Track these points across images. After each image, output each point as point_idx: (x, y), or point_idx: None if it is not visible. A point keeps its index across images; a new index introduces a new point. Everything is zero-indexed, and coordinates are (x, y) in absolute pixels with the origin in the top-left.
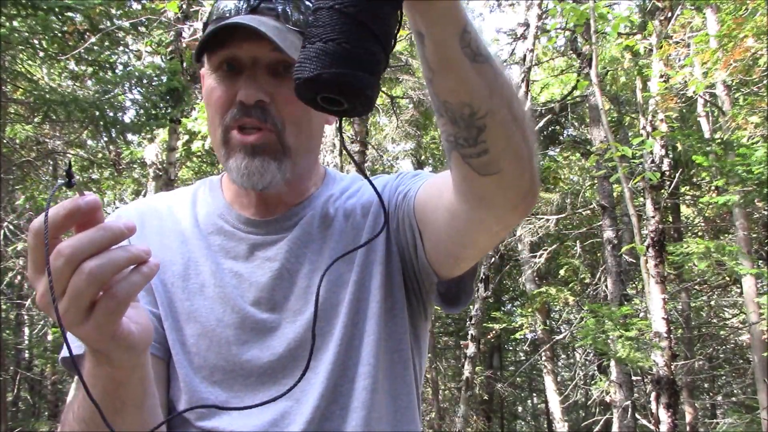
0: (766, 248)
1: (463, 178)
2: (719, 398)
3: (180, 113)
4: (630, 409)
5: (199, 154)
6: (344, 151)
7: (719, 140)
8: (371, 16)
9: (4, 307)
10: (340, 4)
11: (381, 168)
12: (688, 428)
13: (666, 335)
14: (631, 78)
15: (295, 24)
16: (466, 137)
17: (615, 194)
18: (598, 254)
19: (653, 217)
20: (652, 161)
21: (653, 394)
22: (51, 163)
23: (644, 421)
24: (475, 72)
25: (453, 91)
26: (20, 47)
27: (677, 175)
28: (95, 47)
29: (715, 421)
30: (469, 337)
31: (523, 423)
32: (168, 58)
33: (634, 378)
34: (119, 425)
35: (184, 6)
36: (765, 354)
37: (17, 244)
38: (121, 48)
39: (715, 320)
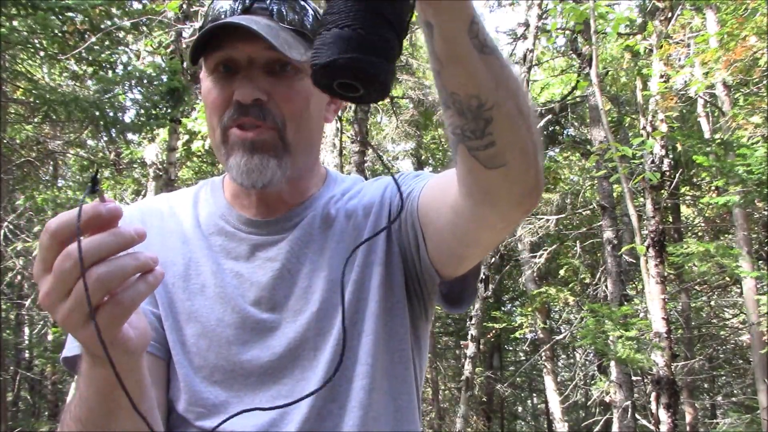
0: (766, 248)
1: (469, 171)
2: (719, 398)
3: (180, 113)
4: (630, 410)
5: (199, 154)
6: (371, 148)
7: (719, 140)
8: (385, 2)
9: (4, 307)
10: None
11: (381, 168)
12: (688, 428)
13: (666, 335)
14: (631, 78)
15: (290, 23)
16: (473, 129)
17: (615, 194)
18: (598, 254)
19: (653, 217)
20: (652, 161)
21: (653, 395)
22: (51, 163)
23: (644, 422)
24: (483, 63)
25: (461, 83)
26: (20, 47)
27: (677, 175)
28: (95, 47)
29: (715, 421)
30: (469, 337)
31: (523, 423)
32: (168, 58)
33: (634, 378)
34: (114, 427)
35: (184, 6)
36: (764, 351)
37: (17, 244)
38: (121, 48)
39: (715, 320)
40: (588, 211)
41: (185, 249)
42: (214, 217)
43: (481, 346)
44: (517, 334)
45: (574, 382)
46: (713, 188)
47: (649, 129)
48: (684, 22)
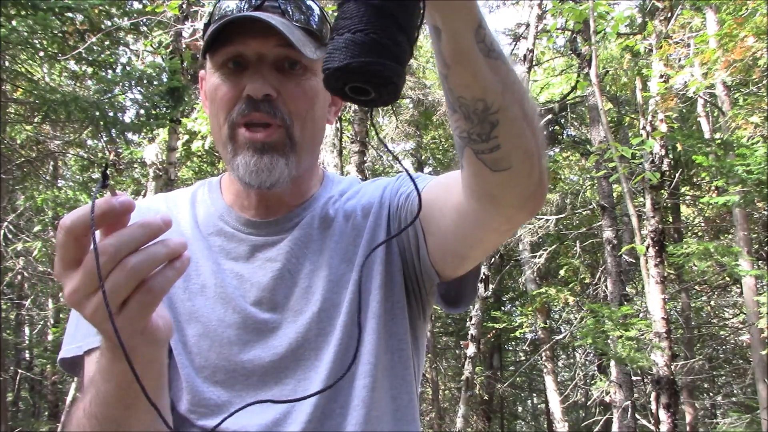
0: (766, 248)
1: (475, 175)
2: (719, 398)
3: (180, 113)
4: (630, 409)
5: (199, 154)
6: (379, 141)
7: (719, 140)
8: (397, 7)
9: (4, 307)
10: None
11: (381, 168)
12: (688, 428)
13: (666, 335)
14: (631, 78)
15: (298, 22)
16: (480, 132)
17: (615, 194)
18: (598, 254)
19: (653, 217)
20: (652, 161)
21: (653, 394)
22: (51, 163)
23: (644, 421)
24: (489, 68)
25: (468, 86)
26: (20, 47)
27: (677, 175)
28: (95, 47)
29: (715, 421)
30: (469, 337)
31: (523, 423)
32: (168, 58)
33: (634, 378)
34: (132, 420)
35: (184, 6)
36: (764, 351)
37: (17, 244)
38: (121, 48)
39: (715, 320)
40: (588, 211)
41: None
42: (213, 218)
43: (481, 346)
44: (517, 334)
45: (574, 382)
46: (713, 188)
47: (648, 129)
48: (684, 22)
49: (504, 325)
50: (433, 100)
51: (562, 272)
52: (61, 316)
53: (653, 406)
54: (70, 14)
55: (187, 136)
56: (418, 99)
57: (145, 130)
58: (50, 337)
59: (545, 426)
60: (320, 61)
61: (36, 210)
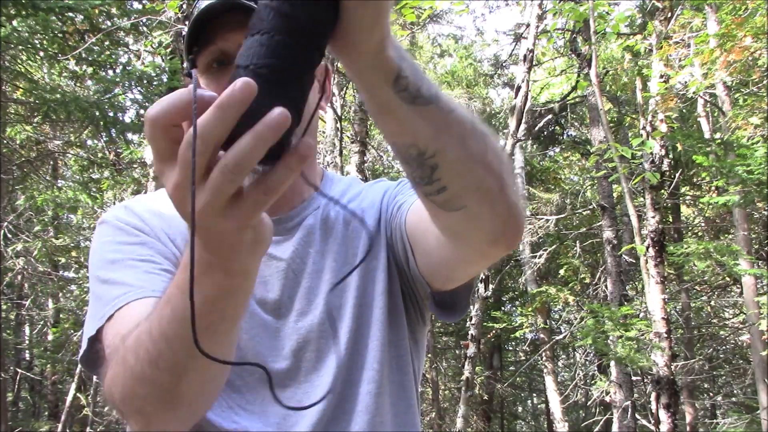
0: (766, 248)
1: (432, 215)
2: (719, 398)
3: None
4: (630, 410)
5: None
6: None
7: (719, 140)
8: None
9: (4, 307)
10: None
11: (381, 168)
12: (688, 428)
13: (666, 335)
14: (631, 78)
15: None
16: (421, 176)
17: (615, 194)
18: (598, 254)
19: (653, 217)
20: (652, 161)
21: (653, 395)
22: (51, 163)
23: (644, 422)
24: (416, 114)
25: (396, 134)
26: (20, 47)
27: (677, 175)
28: (95, 47)
29: (715, 421)
30: (469, 337)
31: (523, 423)
32: (168, 58)
33: (634, 378)
34: (209, 342)
35: (184, 6)
36: (765, 352)
37: (17, 244)
38: (121, 48)
39: (715, 320)
40: (588, 211)
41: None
42: None
43: (481, 346)
44: (517, 334)
45: (574, 382)
46: (713, 188)
47: (648, 129)
48: (684, 22)
49: (504, 325)
50: None
51: (562, 272)
52: (61, 316)
53: (653, 406)
54: (70, 14)
55: None
56: None
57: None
58: (50, 337)
59: (545, 426)
60: None
61: (36, 210)
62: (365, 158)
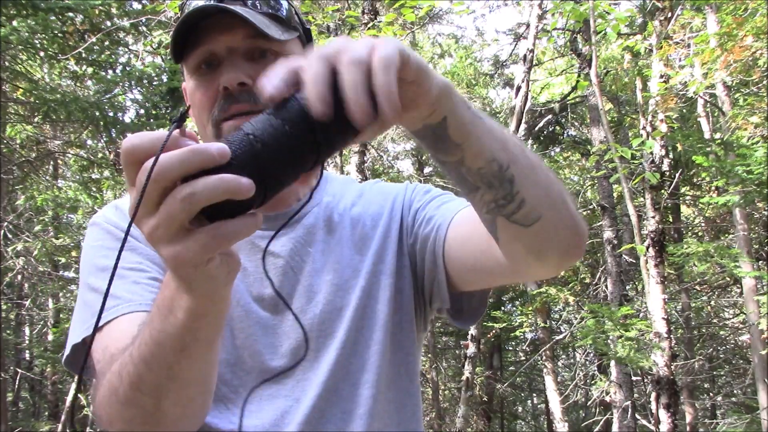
0: (766, 248)
1: (514, 238)
2: (719, 398)
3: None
4: (630, 409)
5: None
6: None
7: (719, 140)
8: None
9: (4, 307)
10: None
11: (381, 168)
12: (688, 428)
13: (666, 335)
14: (631, 78)
15: (260, 11)
16: (504, 195)
17: (615, 194)
18: (598, 254)
19: (653, 217)
20: (652, 161)
21: (653, 395)
22: (51, 163)
23: (644, 422)
24: (483, 129)
25: (480, 155)
26: (20, 47)
27: (677, 175)
28: (95, 47)
29: (715, 421)
30: (469, 337)
31: (523, 423)
32: (168, 58)
33: (634, 378)
34: (184, 366)
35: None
36: (764, 351)
37: (17, 244)
38: (121, 48)
39: (715, 320)
40: (588, 211)
41: None
42: None
43: (481, 346)
44: (517, 334)
45: (574, 382)
46: (713, 188)
47: (649, 129)
48: (684, 22)
49: (504, 325)
50: None
51: (562, 272)
52: (61, 316)
53: (653, 406)
54: (70, 14)
55: None
56: None
57: (145, 130)
58: (50, 337)
59: (545, 426)
60: (292, 43)
61: (36, 210)
62: (365, 158)
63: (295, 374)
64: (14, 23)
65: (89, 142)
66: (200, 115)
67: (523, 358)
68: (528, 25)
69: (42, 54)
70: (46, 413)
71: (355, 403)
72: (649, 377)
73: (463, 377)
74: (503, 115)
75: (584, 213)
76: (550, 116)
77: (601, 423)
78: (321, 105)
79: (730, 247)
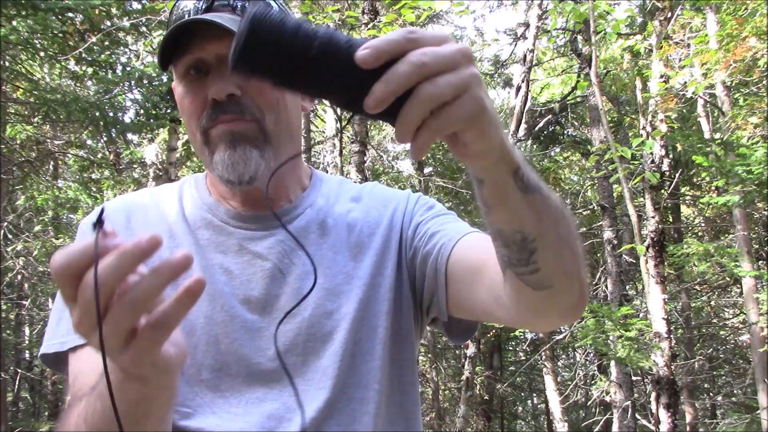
0: (766, 248)
1: (517, 292)
2: (719, 398)
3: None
4: (630, 409)
5: None
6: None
7: (719, 140)
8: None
9: (4, 307)
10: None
11: (381, 168)
12: (688, 428)
13: (666, 335)
14: (631, 78)
15: None
16: (519, 258)
17: (615, 194)
18: (598, 254)
19: (653, 217)
20: (652, 161)
21: (653, 395)
22: (51, 163)
23: (644, 421)
24: (526, 203)
25: (506, 221)
26: (20, 47)
27: (677, 175)
28: (95, 47)
29: (715, 421)
30: None
31: (523, 423)
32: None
33: (634, 378)
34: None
35: None
36: (764, 351)
37: (17, 244)
38: (121, 48)
39: (715, 320)
40: (588, 211)
41: (172, 243)
42: (201, 211)
43: (481, 346)
44: (516, 334)
45: (574, 382)
46: (713, 188)
47: (648, 129)
48: (684, 23)
49: (504, 324)
50: None
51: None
52: None
53: (653, 406)
54: (70, 14)
55: (187, 136)
56: None
57: (145, 130)
58: None
59: (545, 426)
60: None
61: (36, 210)
62: (365, 158)
63: (282, 378)
64: (14, 23)
65: (89, 142)
66: (189, 122)
67: (523, 358)
68: (528, 25)
69: (42, 54)
70: (46, 413)
71: (354, 419)
72: (649, 377)
73: (463, 377)
74: (503, 116)
75: (584, 213)
76: (550, 116)
77: (601, 423)
78: (369, 57)
79: (730, 246)
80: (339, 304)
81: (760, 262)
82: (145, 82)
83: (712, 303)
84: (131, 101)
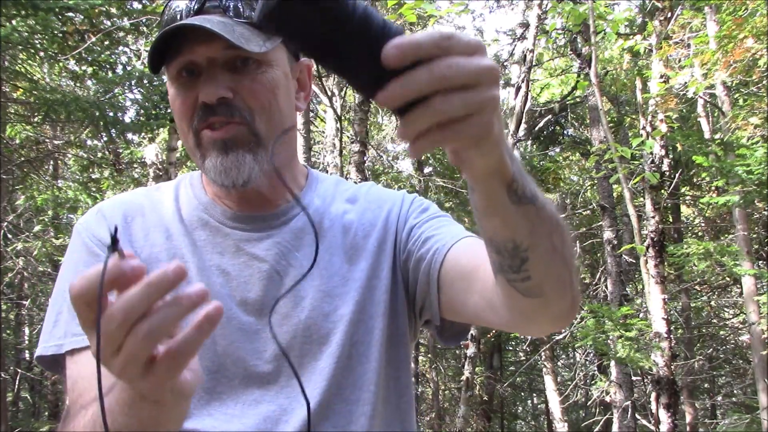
0: (766, 248)
1: (509, 298)
2: (719, 398)
3: None
4: (630, 409)
5: None
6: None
7: (719, 141)
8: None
9: (4, 307)
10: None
11: (381, 168)
12: (688, 428)
13: (666, 335)
14: (631, 78)
15: (247, 18)
16: (510, 265)
17: (615, 194)
18: (598, 254)
19: (653, 217)
20: (652, 161)
21: (653, 395)
22: (51, 163)
23: (644, 422)
24: (519, 213)
25: (498, 230)
26: (20, 47)
27: (677, 175)
28: (95, 47)
29: (715, 421)
30: (469, 337)
31: (523, 423)
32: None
33: (634, 378)
34: None
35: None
36: (765, 352)
37: (17, 244)
38: (121, 48)
39: (715, 320)
40: (588, 211)
41: (169, 244)
42: (197, 212)
43: (481, 346)
44: (516, 334)
45: (574, 382)
46: (713, 188)
47: (648, 129)
48: (684, 23)
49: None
50: None
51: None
52: None
53: (653, 406)
54: (70, 14)
55: None
56: None
57: (145, 130)
58: None
59: (545, 426)
60: (276, 50)
61: (36, 210)
62: (365, 158)
63: (279, 380)
64: (14, 23)
65: (89, 142)
66: (180, 123)
67: (523, 358)
68: (527, 26)
69: (42, 54)
70: (46, 413)
71: (350, 421)
72: (649, 377)
73: (463, 377)
74: (503, 116)
75: (584, 213)
76: (549, 116)
77: (601, 423)
78: (395, 59)
79: (730, 246)
80: (335, 306)
81: (760, 262)
82: (145, 82)
83: (712, 303)
84: (131, 101)
